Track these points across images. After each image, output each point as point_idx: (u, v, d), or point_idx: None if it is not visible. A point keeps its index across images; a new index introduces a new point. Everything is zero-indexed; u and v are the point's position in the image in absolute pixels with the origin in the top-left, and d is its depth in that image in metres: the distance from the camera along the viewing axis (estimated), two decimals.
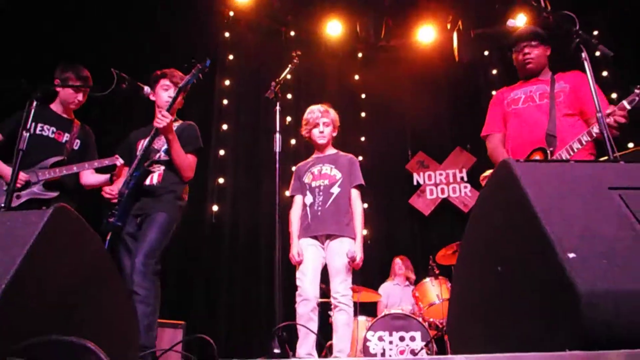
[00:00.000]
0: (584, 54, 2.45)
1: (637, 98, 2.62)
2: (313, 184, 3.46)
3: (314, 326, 3.15)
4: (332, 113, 3.61)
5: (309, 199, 3.44)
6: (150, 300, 2.78)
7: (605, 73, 6.20)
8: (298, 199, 3.52)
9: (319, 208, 3.37)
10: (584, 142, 2.75)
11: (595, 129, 2.69)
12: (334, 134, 3.63)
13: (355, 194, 3.45)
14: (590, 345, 1.01)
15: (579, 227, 1.15)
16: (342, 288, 3.21)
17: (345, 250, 3.24)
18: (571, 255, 1.07)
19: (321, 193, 3.40)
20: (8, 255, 1.31)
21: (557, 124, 2.95)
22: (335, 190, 3.40)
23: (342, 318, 3.17)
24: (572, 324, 1.07)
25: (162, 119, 2.98)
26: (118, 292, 1.82)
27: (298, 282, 3.25)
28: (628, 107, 2.65)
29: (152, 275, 2.84)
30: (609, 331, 1.04)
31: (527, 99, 3.14)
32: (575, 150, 2.77)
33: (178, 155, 3.11)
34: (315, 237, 3.35)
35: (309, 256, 3.29)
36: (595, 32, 6.11)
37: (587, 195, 1.23)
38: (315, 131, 3.55)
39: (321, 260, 3.32)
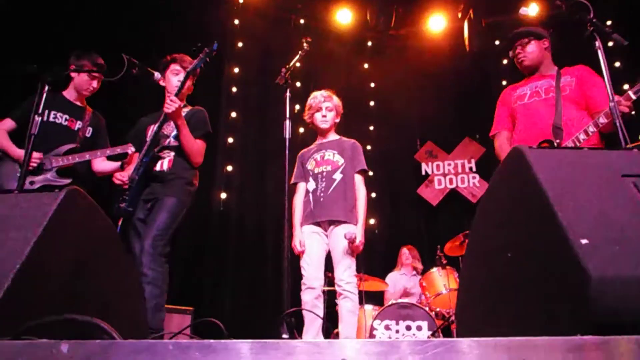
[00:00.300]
0: (597, 43, 2.43)
1: None
2: (316, 170, 3.46)
3: (320, 313, 3.17)
4: (336, 99, 3.61)
5: (311, 185, 3.44)
6: (159, 282, 2.81)
7: (617, 64, 6.13)
8: (301, 186, 3.52)
9: (322, 194, 3.37)
10: (590, 133, 2.75)
11: (601, 119, 2.68)
12: (337, 120, 3.63)
13: (358, 179, 3.46)
14: (600, 331, 1.01)
15: (592, 213, 1.15)
16: (346, 275, 3.21)
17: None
18: (584, 241, 1.07)
19: (324, 179, 3.40)
20: (22, 236, 1.32)
21: (564, 117, 2.95)
22: (338, 176, 3.40)
23: (347, 305, 3.18)
24: (582, 309, 1.07)
25: (170, 104, 2.99)
26: (128, 273, 1.84)
27: (302, 271, 3.26)
28: (633, 97, 2.63)
29: (160, 257, 2.86)
30: (619, 317, 1.04)
31: (533, 94, 3.16)
32: (582, 140, 2.77)
33: (187, 141, 3.12)
34: (317, 224, 3.35)
35: (312, 244, 3.30)
36: (609, 22, 6.03)
37: (601, 182, 1.23)
38: (318, 115, 3.55)
39: (325, 248, 3.33)
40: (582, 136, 2.76)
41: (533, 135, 3.01)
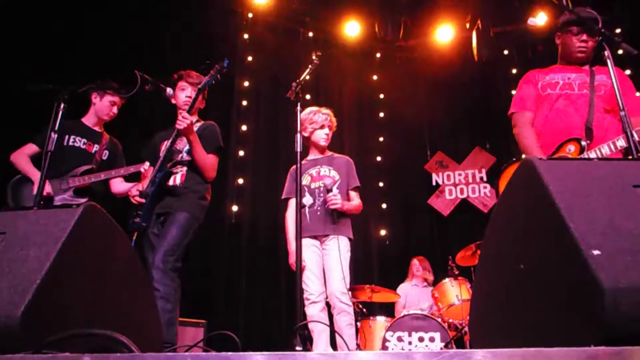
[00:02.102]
0: (606, 52, 2.43)
1: None
2: (312, 186, 3.52)
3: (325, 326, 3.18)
4: (333, 117, 3.70)
5: (308, 200, 3.48)
6: (170, 297, 2.84)
7: (628, 72, 6.10)
8: (293, 201, 3.55)
9: (319, 209, 3.43)
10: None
11: None
12: None
13: (354, 194, 3.54)
14: (614, 342, 1.02)
15: (603, 223, 1.15)
16: (342, 286, 3.23)
17: (343, 249, 3.30)
18: (596, 252, 1.08)
19: (321, 194, 3.46)
20: (42, 251, 1.35)
21: (595, 118, 2.82)
22: (335, 191, 3.43)
23: (345, 319, 3.21)
24: (596, 320, 1.07)
25: (182, 121, 3.03)
26: (145, 287, 1.86)
27: (305, 286, 3.28)
28: None
29: (171, 272, 2.89)
30: (633, 327, 1.04)
31: (565, 85, 2.97)
32: (619, 147, 2.61)
33: (200, 156, 3.16)
34: (314, 237, 3.40)
35: (310, 257, 3.34)
36: (618, 30, 6.02)
37: (612, 193, 1.23)
38: (321, 132, 3.60)
39: (322, 261, 3.38)
40: (619, 143, 2.60)
41: (561, 131, 2.85)
